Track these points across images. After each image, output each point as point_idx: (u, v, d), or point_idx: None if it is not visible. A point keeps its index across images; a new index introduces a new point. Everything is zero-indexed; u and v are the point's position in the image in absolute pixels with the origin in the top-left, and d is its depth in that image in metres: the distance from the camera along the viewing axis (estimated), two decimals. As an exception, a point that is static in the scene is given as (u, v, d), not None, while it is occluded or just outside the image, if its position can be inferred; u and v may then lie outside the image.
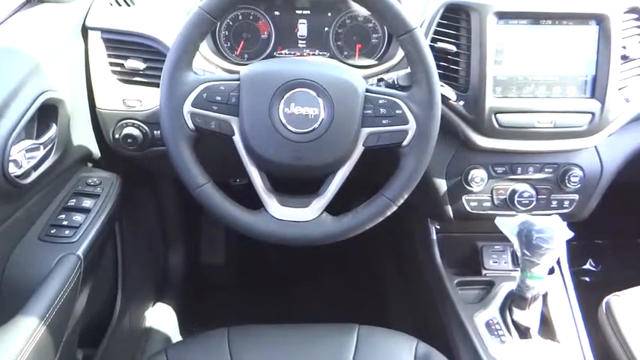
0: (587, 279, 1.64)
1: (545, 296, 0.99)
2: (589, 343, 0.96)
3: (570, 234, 0.88)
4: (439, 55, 0.93)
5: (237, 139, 0.78)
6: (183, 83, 0.76)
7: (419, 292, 1.25)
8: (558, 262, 1.09)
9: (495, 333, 0.96)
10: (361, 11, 1.00)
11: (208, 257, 1.61)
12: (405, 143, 0.77)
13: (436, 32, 0.94)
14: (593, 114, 0.93)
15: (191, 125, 0.77)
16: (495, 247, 1.12)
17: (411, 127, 0.77)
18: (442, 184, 1.00)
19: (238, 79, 0.78)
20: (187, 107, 0.76)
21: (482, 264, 1.11)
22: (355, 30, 1.02)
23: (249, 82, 0.77)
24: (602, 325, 0.98)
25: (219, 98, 0.77)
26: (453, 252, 1.13)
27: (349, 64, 1.00)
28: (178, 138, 0.77)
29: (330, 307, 1.46)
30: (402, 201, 0.79)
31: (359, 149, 0.79)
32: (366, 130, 0.78)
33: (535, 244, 0.87)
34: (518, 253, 0.91)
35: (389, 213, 0.80)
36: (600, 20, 0.91)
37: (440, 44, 0.93)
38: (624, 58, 0.94)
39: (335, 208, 0.81)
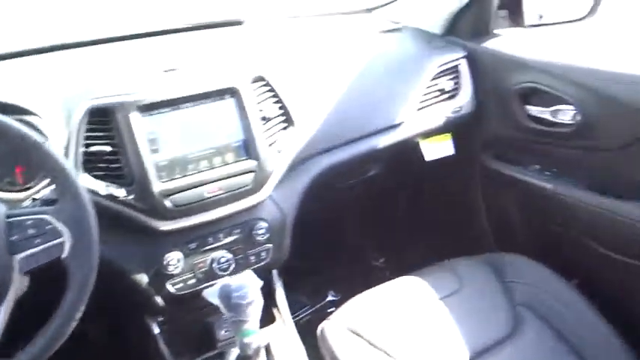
0: (333, 309, 1.79)
1: (268, 347, 1.05)
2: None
3: (260, 282, 0.96)
4: (98, 157, 0.94)
5: None
6: None
7: None
8: (278, 310, 1.18)
9: None
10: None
11: None
12: (64, 255, 0.75)
13: (88, 137, 0.95)
14: (254, 171, 1.04)
15: None
16: (223, 317, 1.16)
17: (67, 238, 0.75)
18: (142, 278, 1.00)
19: None
20: None
21: (216, 338, 1.14)
22: (10, 154, 0.95)
23: None
24: (322, 355, 1.08)
25: None
26: (185, 338, 1.12)
27: (14, 190, 0.94)
28: None
29: None
30: (80, 314, 0.76)
31: (18, 278, 0.74)
32: (18, 257, 0.73)
33: (235, 303, 0.92)
34: (226, 317, 0.95)
35: (70, 330, 0.76)
36: (232, 93, 1.03)
37: (94, 148, 0.94)
38: (265, 119, 1.07)
39: (15, 344, 0.74)
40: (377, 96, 1.26)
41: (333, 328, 1.10)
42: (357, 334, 1.09)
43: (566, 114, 1.21)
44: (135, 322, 1.10)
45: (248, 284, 0.94)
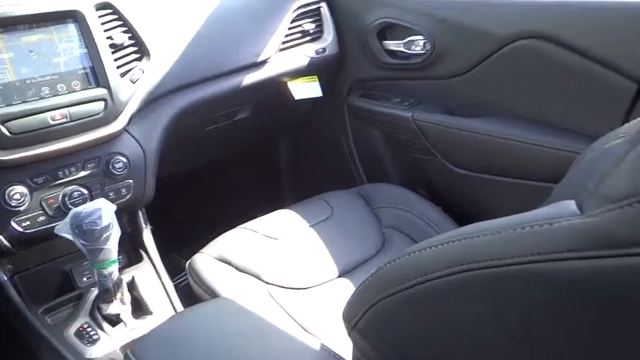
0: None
1: (133, 283, 1.01)
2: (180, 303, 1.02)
3: (114, 206, 0.91)
4: None
5: None
6: None
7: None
8: (146, 251, 1.13)
9: (86, 337, 0.93)
10: None
11: None
12: None
13: None
14: (104, 100, 0.99)
15: None
16: (84, 263, 1.09)
17: None
18: (-20, 215, 0.91)
19: None
20: None
21: (76, 285, 1.07)
22: None
23: None
24: (191, 285, 1.06)
25: None
26: (41, 287, 1.04)
27: None
28: None
29: None
30: None
31: None
32: None
33: (88, 229, 0.87)
34: (81, 248, 0.90)
35: None
36: (74, 18, 0.97)
37: None
38: (114, 47, 1.03)
39: None
40: (236, 33, 1.25)
41: (202, 258, 1.08)
42: (227, 262, 1.07)
43: (417, 44, 1.28)
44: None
45: (101, 208, 0.89)
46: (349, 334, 0.59)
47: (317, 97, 1.42)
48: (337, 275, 1.08)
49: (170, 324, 0.62)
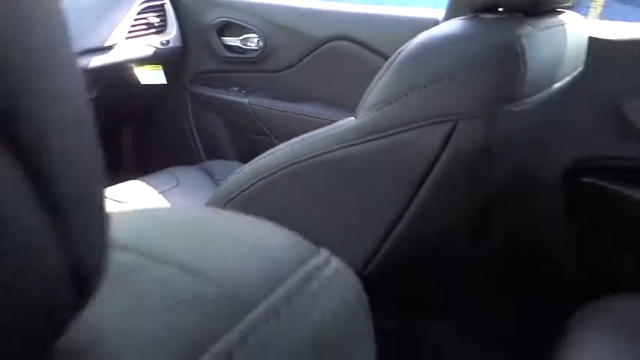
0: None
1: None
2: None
3: None
4: None
5: None
6: None
7: None
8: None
9: None
10: None
11: None
12: None
13: None
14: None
15: None
16: None
17: None
18: None
19: None
20: None
21: None
22: None
23: None
24: None
25: None
26: None
27: None
28: None
29: None
30: None
31: None
32: None
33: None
34: None
35: None
36: None
37: None
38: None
39: None
40: (81, 17, 1.35)
41: None
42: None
43: (252, 41, 1.50)
44: None
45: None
46: None
47: (162, 85, 1.56)
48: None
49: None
